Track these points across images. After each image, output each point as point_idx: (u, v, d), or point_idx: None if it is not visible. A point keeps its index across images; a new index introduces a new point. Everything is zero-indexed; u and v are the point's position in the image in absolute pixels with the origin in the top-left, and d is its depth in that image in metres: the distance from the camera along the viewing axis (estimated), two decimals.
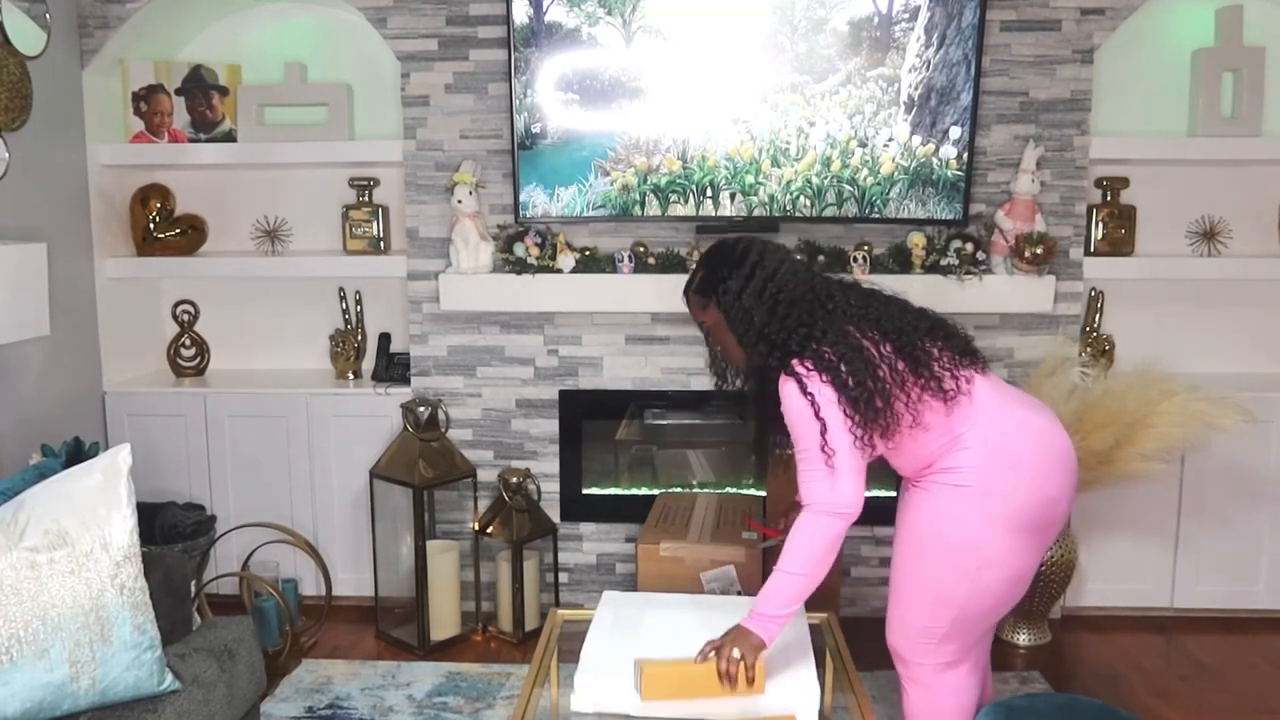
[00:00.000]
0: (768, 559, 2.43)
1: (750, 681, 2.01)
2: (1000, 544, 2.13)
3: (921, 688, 2.28)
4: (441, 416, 3.54)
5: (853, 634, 2.53)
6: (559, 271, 3.46)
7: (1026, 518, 2.13)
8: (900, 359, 2.10)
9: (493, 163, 3.53)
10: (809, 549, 2.06)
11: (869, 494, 2.12)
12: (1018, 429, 2.17)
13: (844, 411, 2.05)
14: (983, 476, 2.12)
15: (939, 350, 2.16)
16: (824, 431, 2.04)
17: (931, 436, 2.14)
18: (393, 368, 3.79)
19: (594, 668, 2.12)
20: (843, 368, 2.06)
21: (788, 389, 2.09)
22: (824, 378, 2.06)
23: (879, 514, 2.59)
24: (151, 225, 3.76)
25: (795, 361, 2.09)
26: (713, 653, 2.05)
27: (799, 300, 2.16)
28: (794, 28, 3.32)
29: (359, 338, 3.87)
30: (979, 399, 2.16)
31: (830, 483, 2.05)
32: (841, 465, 2.05)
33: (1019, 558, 2.16)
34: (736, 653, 2.01)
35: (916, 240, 3.43)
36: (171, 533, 3.41)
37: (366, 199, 3.79)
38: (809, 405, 2.05)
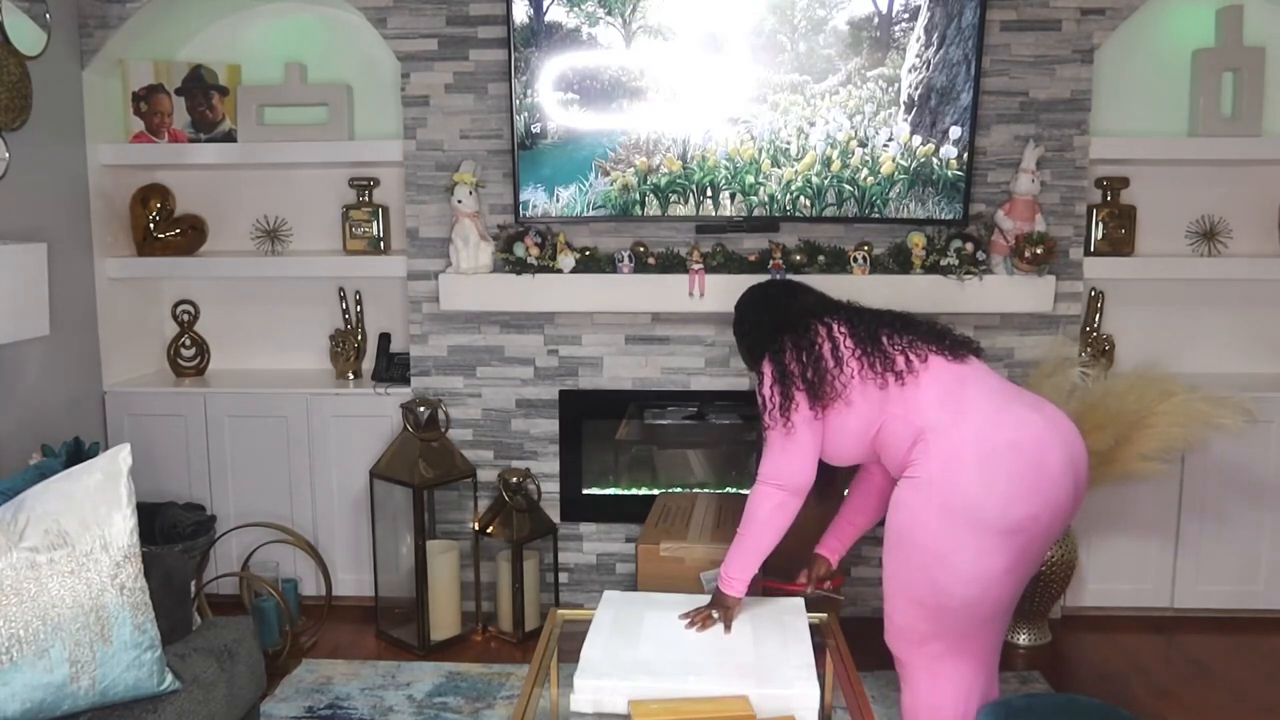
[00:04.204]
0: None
1: (727, 628, 2.31)
2: (954, 542, 2.11)
3: (916, 685, 2.29)
4: (441, 416, 3.54)
5: (853, 634, 2.53)
6: (559, 271, 3.46)
7: (989, 519, 2.09)
8: (850, 338, 2.28)
9: (493, 163, 3.54)
10: (751, 515, 2.32)
11: None
12: (992, 428, 2.15)
13: (778, 386, 2.27)
14: (935, 471, 2.14)
15: (899, 336, 2.29)
16: (763, 409, 2.30)
17: (866, 422, 2.24)
18: (393, 368, 3.79)
19: (594, 668, 2.12)
20: (787, 347, 2.29)
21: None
22: (769, 360, 2.31)
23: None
24: (151, 225, 3.76)
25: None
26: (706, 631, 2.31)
27: (776, 316, 2.43)
28: (794, 28, 3.32)
29: (359, 338, 3.87)
30: (934, 387, 2.21)
31: (770, 458, 2.30)
32: (782, 444, 2.27)
33: (980, 559, 2.11)
34: (715, 614, 2.32)
35: (916, 240, 3.43)
36: (171, 533, 3.41)
37: (366, 199, 3.79)
38: (759, 387, 2.32)
